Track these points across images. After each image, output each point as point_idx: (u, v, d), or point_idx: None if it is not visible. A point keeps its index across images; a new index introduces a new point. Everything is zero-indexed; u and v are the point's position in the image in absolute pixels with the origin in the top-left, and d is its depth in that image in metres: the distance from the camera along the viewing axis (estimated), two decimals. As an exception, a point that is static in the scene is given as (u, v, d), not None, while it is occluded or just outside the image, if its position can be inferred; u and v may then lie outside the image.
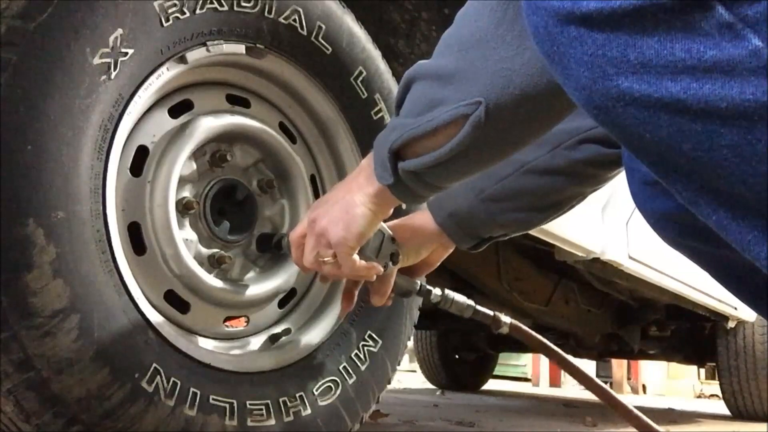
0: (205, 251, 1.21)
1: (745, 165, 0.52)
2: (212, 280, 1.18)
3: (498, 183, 1.13)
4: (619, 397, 1.39)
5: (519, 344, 5.23)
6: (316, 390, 1.23)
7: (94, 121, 0.97)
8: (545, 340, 1.34)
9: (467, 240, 1.18)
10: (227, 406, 1.09)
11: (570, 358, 1.34)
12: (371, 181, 0.96)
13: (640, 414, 1.36)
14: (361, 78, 1.34)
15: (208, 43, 1.13)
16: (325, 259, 1.04)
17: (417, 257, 1.19)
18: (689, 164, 0.55)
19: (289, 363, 1.24)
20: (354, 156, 1.37)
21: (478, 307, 1.27)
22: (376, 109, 1.37)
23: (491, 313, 1.29)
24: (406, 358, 4.85)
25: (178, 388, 1.03)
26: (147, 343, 1.01)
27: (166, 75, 1.10)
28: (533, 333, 1.33)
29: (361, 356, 1.31)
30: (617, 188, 2.09)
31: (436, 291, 1.23)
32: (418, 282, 1.22)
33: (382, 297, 1.16)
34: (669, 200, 1.00)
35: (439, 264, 1.24)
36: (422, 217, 1.19)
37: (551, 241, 2.18)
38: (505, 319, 1.30)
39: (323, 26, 1.27)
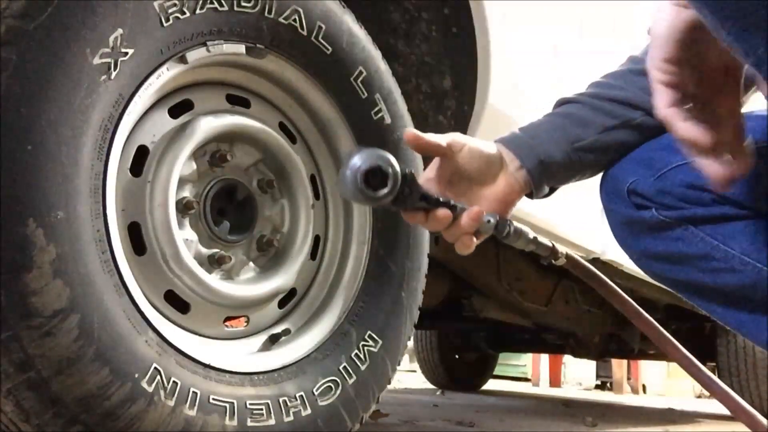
0: (205, 251, 1.21)
1: None
2: (212, 280, 1.18)
3: (597, 134, 1.06)
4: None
5: (519, 344, 5.23)
6: (316, 390, 1.23)
7: (94, 121, 0.97)
8: (605, 279, 1.27)
9: (544, 189, 1.10)
10: (227, 406, 1.09)
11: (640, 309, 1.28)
12: None
13: (738, 399, 1.31)
14: (361, 78, 1.34)
15: (208, 43, 1.13)
16: None
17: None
18: None
19: (289, 363, 1.24)
20: (354, 156, 1.37)
21: (540, 239, 1.19)
22: (375, 109, 1.36)
23: (550, 244, 1.21)
24: (406, 358, 4.85)
25: (178, 388, 1.03)
26: (147, 343, 1.01)
27: (166, 75, 1.10)
28: (591, 268, 1.24)
29: (361, 356, 1.31)
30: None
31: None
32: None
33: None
34: (647, 238, 0.99)
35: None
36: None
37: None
38: (561, 249, 1.23)
39: (323, 26, 1.27)
